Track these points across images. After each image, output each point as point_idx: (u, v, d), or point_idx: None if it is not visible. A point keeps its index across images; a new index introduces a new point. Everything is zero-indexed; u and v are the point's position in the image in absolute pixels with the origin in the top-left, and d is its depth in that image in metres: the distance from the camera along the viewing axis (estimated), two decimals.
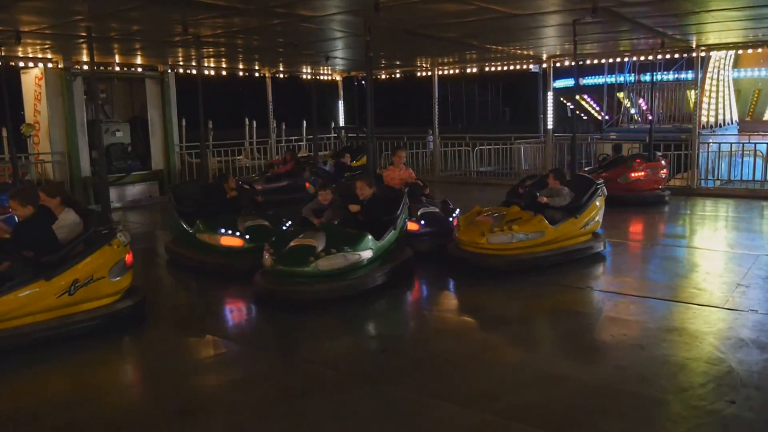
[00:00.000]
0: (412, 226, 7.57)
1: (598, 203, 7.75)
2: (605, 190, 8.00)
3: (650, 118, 14.33)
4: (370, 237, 6.34)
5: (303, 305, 5.95)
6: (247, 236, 7.17)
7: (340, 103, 18.50)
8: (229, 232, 7.22)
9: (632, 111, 27.42)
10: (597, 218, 7.78)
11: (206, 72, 14.50)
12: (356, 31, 9.27)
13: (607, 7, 8.01)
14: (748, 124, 25.37)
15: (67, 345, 5.06)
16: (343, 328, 5.65)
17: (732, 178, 13.39)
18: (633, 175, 11.26)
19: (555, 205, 7.45)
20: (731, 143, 14.40)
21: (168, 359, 4.94)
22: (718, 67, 24.29)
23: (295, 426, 3.81)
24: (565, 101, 29.79)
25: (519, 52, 13.35)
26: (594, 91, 31.76)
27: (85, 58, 11.98)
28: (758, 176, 12.82)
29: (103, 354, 5.07)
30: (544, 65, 14.67)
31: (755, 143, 14.04)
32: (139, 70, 13.56)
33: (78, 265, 5.19)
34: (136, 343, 5.40)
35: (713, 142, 14.69)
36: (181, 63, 13.89)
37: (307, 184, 10.76)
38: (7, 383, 4.57)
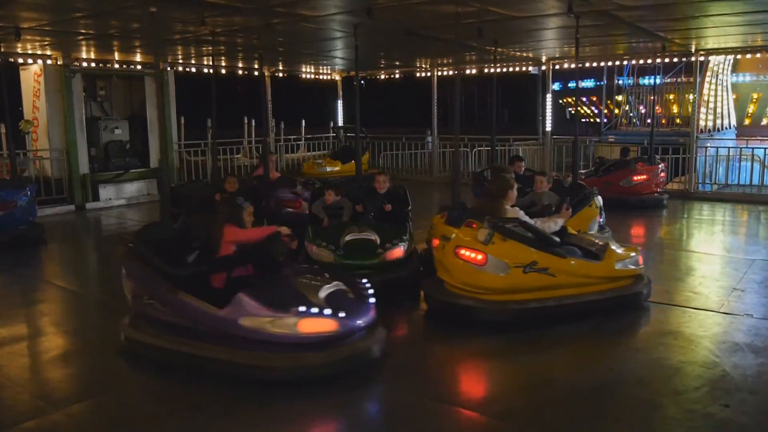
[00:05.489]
0: None
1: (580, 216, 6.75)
2: (600, 200, 7.22)
3: (649, 121, 14.38)
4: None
5: None
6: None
7: (340, 103, 18.51)
8: None
9: (631, 114, 27.50)
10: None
11: (205, 70, 14.50)
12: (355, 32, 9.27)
13: (607, 11, 8.03)
14: (746, 129, 25.46)
15: None
16: None
17: (729, 183, 13.44)
18: (635, 178, 11.31)
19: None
20: (729, 147, 14.44)
21: None
22: (717, 72, 24.37)
23: (300, 423, 3.85)
24: (564, 103, 29.87)
25: (518, 54, 13.38)
26: (593, 94, 31.88)
27: (84, 55, 11.98)
28: (755, 181, 12.87)
29: None
30: (543, 67, 14.71)
31: (753, 148, 14.10)
32: (139, 67, 13.56)
33: None
34: None
35: (711, 147, 14.74)
36: (180, 61, 13.87)
37: None
38: None
